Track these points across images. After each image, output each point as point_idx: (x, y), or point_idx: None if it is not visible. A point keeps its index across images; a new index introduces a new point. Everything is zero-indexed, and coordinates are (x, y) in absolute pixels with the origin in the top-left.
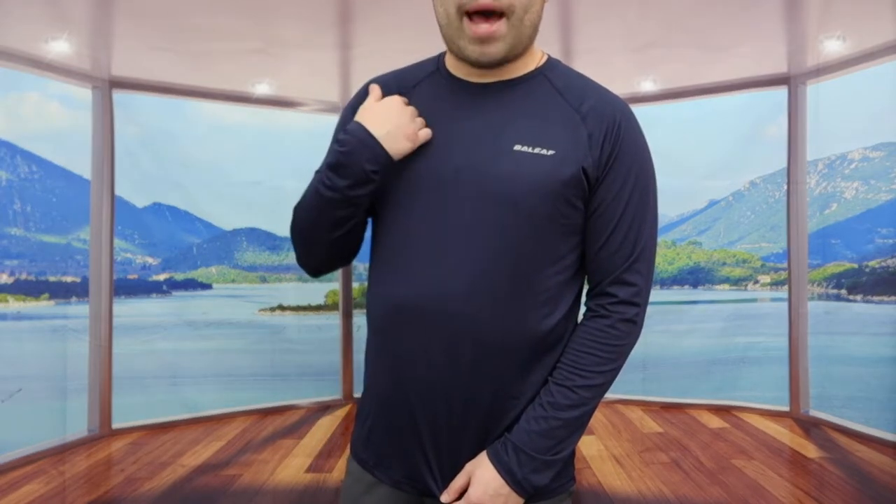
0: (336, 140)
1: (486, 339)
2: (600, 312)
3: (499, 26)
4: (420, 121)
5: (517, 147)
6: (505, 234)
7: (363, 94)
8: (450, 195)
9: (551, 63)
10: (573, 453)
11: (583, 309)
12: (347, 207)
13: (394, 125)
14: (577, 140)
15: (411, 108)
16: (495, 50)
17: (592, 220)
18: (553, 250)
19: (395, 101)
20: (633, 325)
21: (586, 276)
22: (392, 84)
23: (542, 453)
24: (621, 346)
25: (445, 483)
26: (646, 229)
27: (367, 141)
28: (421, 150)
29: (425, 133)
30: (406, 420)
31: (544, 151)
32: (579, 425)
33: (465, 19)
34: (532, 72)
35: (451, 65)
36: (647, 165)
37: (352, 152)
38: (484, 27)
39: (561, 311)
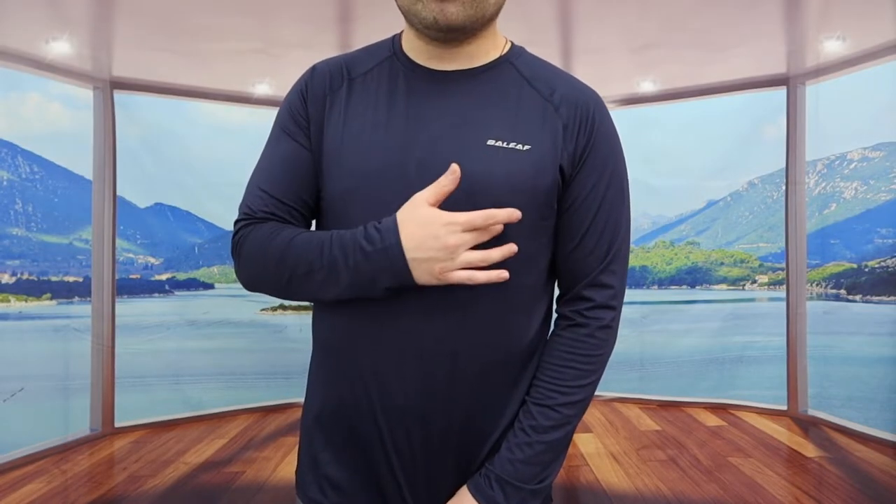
0: (365, 235)
1: (464, 352)
2: (577, 320)
3: None
4: (462, 260)
5: (490, 142)
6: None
7: (308, 78)
8: (414, 191)
9: (516, 50)
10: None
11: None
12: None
13: (434, 254)
14: (552, 133)
15: (462, 239)
16: (456, 10)
17: (566, 218)
18: (528, 254)
19: (450, 224)
20: (611, 332)
21: (557, 281)
22: (342, 69)
23: (529, 482)
24: (600, 355)
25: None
26: (622, 226)
27: (396, 262)
28: (377, 142)
29: (457, 276)
30: (376, 450)
31: (519, 146)
32: (563, 447)
33: None
34: (497, 59)
35: (409, 48)
36: (620, 158)
37: (373, 267)
38: None
39: (537, 320)
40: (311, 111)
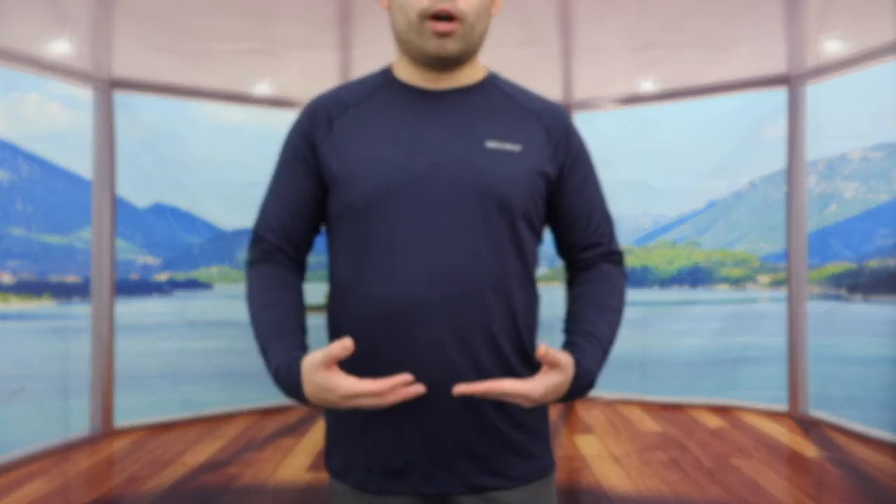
0: (275, 375)
1: (492, 325)
2: (608, 269)
3: (456, 26)
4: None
5: (489, 144)
6: (493, 225)
7: (309, 111)
8: (431, 190)
9: (495, 74)
10: (549, 439)
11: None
12: None
13: (333, 404)
14: (538, 136)
15: (358, 402)
16: (453, 45)
17: (573, 202)
18: (527, 241)
19: (346, 397)
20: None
21: (577, 253)
22: (341, 98)
23: (608, 345)
24: (624, 292)
25: (468, 478)
26: (606, 203)
27: (300, 400)
28: (390, 151)
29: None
30: (425, 420)
31: (513, 147)
32: (617, 328)
33: (426, 21)
34: (481, 80)
35: (404, 74)
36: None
37: (281, 387)
38: (444, 24)
39: (533, 299)
40: (316, 139)
